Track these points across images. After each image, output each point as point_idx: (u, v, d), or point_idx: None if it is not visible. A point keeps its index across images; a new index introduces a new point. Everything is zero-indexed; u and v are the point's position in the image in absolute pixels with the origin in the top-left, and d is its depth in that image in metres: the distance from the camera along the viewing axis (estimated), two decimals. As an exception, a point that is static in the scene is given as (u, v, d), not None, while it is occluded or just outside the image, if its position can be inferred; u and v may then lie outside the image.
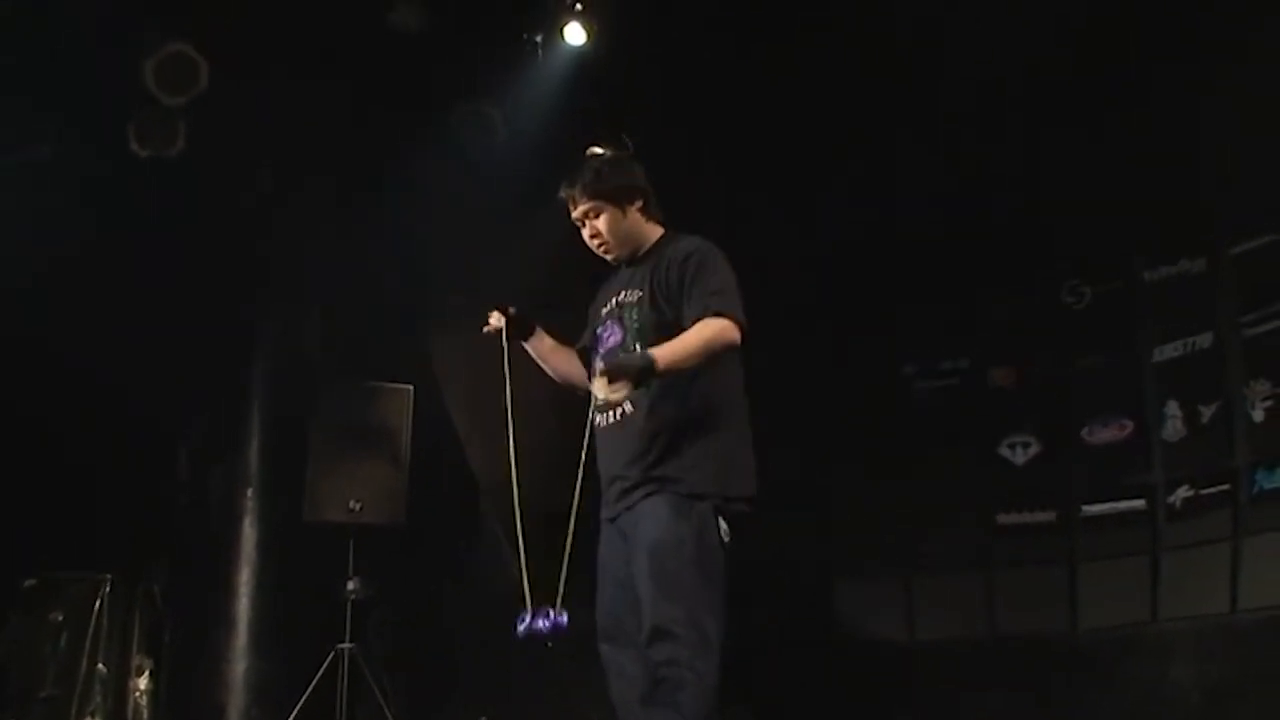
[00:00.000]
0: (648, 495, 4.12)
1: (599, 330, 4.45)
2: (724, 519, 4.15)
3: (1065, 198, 7.67)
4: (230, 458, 7.53)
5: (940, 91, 7.41)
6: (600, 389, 3.87)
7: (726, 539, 4.14)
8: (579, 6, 7.25)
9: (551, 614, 4.08)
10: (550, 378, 4.65)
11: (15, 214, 6.78)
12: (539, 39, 7.37)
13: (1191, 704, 6.89)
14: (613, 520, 4.28)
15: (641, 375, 3.92)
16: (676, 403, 4.17)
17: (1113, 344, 7.85)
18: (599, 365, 4.10)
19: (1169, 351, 7.59)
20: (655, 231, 4.46)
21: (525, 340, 4.53)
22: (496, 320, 4.48)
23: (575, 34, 7.30)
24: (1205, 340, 7.43)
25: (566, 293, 4.70)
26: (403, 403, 7.38)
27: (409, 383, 7.45)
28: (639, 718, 4.06)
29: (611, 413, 4.26)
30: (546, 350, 4.59)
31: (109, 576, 7.04)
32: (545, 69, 7.39)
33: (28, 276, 6.85)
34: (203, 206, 7.24)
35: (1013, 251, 7.98)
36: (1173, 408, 7.50)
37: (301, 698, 6.65)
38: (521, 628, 4.09)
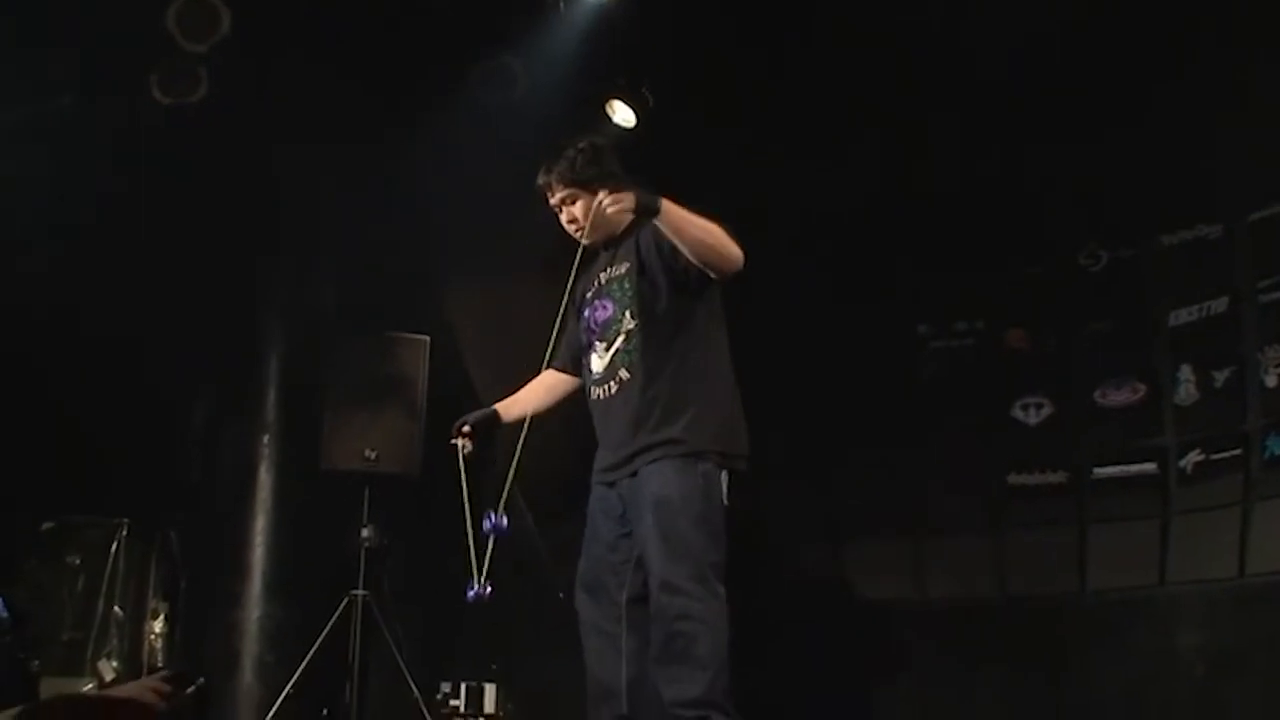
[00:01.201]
0: (654, 460, 4.23)
1: (586, 314, 4.58)
2: (727, 476, 4.29)
3: (1083, 161, 7.66)
4: (247, 406, 7.57)
5: (960, 55, 7.37)
6: (606, 199, 4.13)
7: (726, 500, 4.29)
8: (601, -41, 7.24)
9: (494, 517, 4.33)
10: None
11: (35, 167, 6.79)
12: (562, -8, 7.36)
13: (1198, 666, 6.93)
14: (610, 485, 4.38)
15: (647, 201, 4.12)
16: (672, 369, 4.33)
17: (1128, 307, 7.84)
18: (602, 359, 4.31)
19: (1184, 316, 7.58)
20: (628, 216, 4.52)
21: (494, 430, 4.68)
22: (462, 444, 4.62)
23: (597, -13, 7.29)
24: (1220, 305, 7.43)
25: (580, 249, 4.74)
26: (419, 353, 7.40)
27: (425, 334, 7.47)
28: (651, 674, 4.16)
29: (607, 384, 4.40)
30: (519, 410, 4.71)
31: (125, 521, 7.09)
32: (567, 21, 7.37)
33: (45, 229, 6.88)
34: (219, 160, 7.24)
35: (1029, 214, 7.97)
36: (1186, 372, 7.50)
37: (315, 644, 6.72)
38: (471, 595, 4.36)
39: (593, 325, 4.52)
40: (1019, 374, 8.21)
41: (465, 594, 4.36)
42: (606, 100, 7.68)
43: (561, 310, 4.69)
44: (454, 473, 4.55)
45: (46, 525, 7.02)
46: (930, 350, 8.53)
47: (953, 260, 8.28)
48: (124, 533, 7.06)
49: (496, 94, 7.59)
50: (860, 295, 8.38)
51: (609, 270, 4.55)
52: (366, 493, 7.14)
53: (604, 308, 4.50)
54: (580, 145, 4.58)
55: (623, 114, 7.69)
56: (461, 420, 4.64)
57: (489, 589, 4.33)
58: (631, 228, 4.54)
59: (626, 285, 4.45)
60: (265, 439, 7.50)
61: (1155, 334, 7.69)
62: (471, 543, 4.39)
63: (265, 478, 7.45)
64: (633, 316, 4.36)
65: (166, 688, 2.59)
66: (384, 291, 7.66)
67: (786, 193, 8.03)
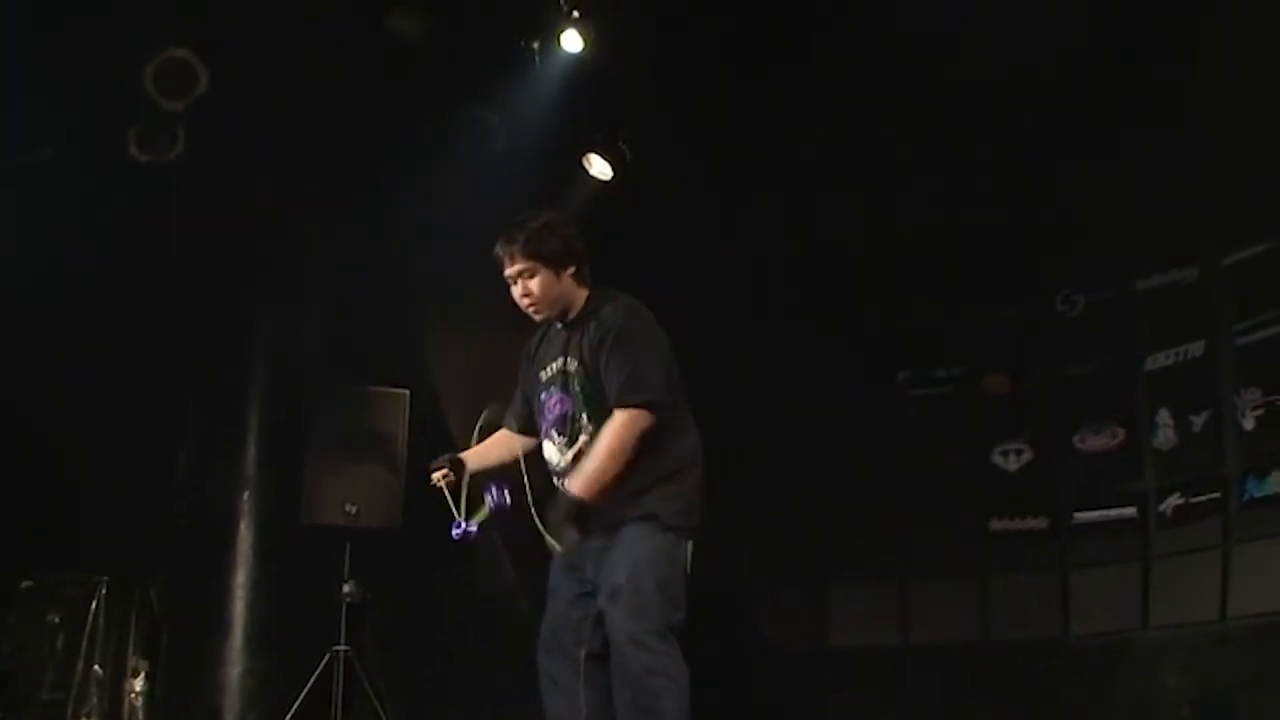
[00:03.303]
0: (620, 526, 4.29)
1: (543, 396, 4.57)
2: (690, 546, 4.38)
3: (1060, 206, 7.72)
4: (227, 460, 7.55)
5: (939, 101, 7.43)
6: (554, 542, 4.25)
7: (689, 568, 4.36)
8: (576, 14, 7.29)
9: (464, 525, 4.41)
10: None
11: (16, 215, 6.80)
12: (536, 46, 7.40)
13: (1181, 710, 6.93)
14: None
15: (577, 516, 4.21)
16: (632, 463, 4.30)
17: (1105, 352, 7.90)
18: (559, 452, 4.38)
19: (1161, 360, 7.63)
20: (583, 294, 4.55)
21: (461, 473, 4.62)
22: (440, 477, 4.58)
23: (572, 41, 7.33)
24: (1197, 349, 7.48)
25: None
26: (399, 407, 7.40)
27: (406, 387, 7.47)
28: None
29: (569, 460, 4.42)
30: (482, 459, 4.70)
31: (105, 578, 7.04)
32: (543, 76, 7.42)
33: (27, 278, 6.87)
34: (202, 211, 7.26)
35: (1007, 259, 8.02)
36: (1164, 416, 7.55)
37: (297, 700, 6.68)
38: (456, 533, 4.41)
39: (548, 414, 4.53)
40: (998, 420, 8.25)
41: (450, 533, 4.40)
42: (584, 154, 7.73)
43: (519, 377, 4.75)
44: (441, 509, 4.52)
45: (25, 583, 6.97)
46: (910, 397, 8.55)
47: (931, 307, 8.32)
48: (104, 590, 7.00)
49: (476, 147, 7.63)
50: (840, 343, 8.41)
51: (564, 360, 4.52)
52: (348, 547, 7.12)
53: (561, 402, 4.49)
54: (544, 219, 4.56)
55: (599, 167, 7.74)
56: (435, 463, 4.61)
57: (475, 527, 4.38)
58: (584, 309, 4.52)
59: (578, 386, 4.44)
60: (246, 494, 7.47)
61: (1133, 378, 7.73)
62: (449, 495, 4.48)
63: (246, 533, 7.42)
64: (590, 420, 4.37)
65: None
66: (365, 345, 7.66)
67: (765, 240, 8.07)
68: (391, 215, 7.42)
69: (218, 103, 6.98)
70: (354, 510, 7.09)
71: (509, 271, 4.51)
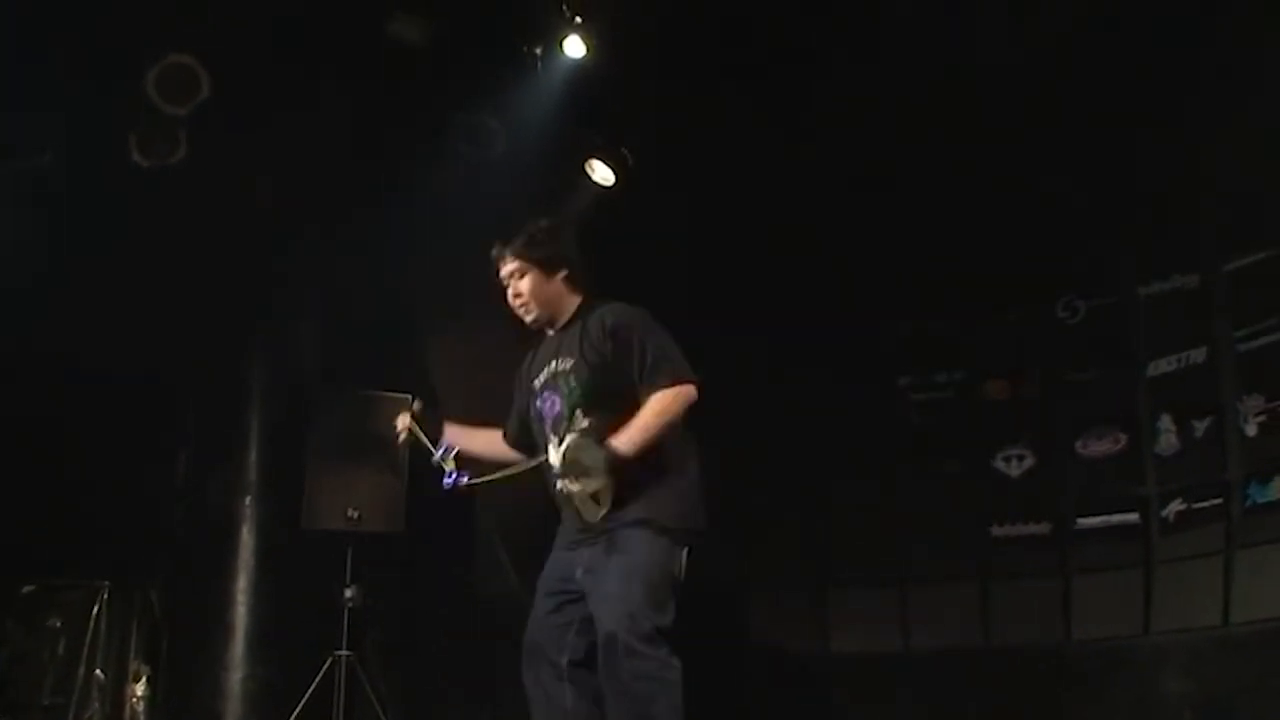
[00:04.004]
0: (618, 529, 4.30)
1: (538, 402, 4.61)
2: (686, 552, 4.39)
3: (1062, 213, 7.72)
4: (229, 465, 7.54)
5: (939, 103, 7.43)
6: (573, 484, 4.21)
7: (682, 573, 4.37)
8: (578, 19, 7.29)
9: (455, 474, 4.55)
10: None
11: (16, 218, 6.81)
12: (538, 51, 7.40)
13: (1184, 715, 6.93)
14: (569, 549, 4.42)
15: (611, 468, 4.20)
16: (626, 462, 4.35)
17: (1107, 358, 7.90)
18: (557, 452, 4.29)
19: (1163, 366, 7.64)
20: (575, 300, 4.64)
21: (435, 439, 4.75)
22: (403, 421, 4.82)
23: (575, 47, 7.33)
24: (1199, 355, 7.49)
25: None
26: (400, 411, 7.38)
27: (407, 392, 7.46)
28: None
29: (560, 457, 4.39)
30: (462, 439, 4.79)
31: (106, 584, 7.05)
32: (545, 82, 7.42)
33: (27, 282, 6.88)
34: (203, 215, 7.26)
35: (1009, 266, 8.02)
36: (1166, 421, 7.55)
37: (298, 705, 6.67)
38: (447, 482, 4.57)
39: (546, 419, 4.54)
40: (1000, 425, 8.25)
41: (442, 484, 4.52)
42: (586, 159, 7.73)
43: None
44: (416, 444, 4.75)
45: (27, 588, 6.97)
46: (912, 402, 8.55)
47: (933, 312, 8.32)
48: (105, 595, 7.01)
49: (477, 151, 7.63)
50: (842, 347, 8.41)
51: (556, 362, 4.56)
52: (349, 552, 7.11)
53: (553, 403, 4.52)
54: (541, 224, 4.64)
55: (602, 173, 7.74)
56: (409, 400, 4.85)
57: (465, 476, 4.51)
58: (576, 314, 4.60)
59: (573, 382, 4.47)
60: (247, 499, 7.47)
61: (1135, 384, 7.73)
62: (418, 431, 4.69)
63: (247, 538, 7.41)
64: (583, 415, 4.39)
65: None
66: (366, 349, 7.66)
67: (767, 245, 8.07)
68: (393, 219, 7.42)
69: (219, 105, 6.98)
70: (355, 515, 7.09)
71: (502, 272, 4.64)
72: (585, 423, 4.37)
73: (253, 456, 7.56)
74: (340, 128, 7.34)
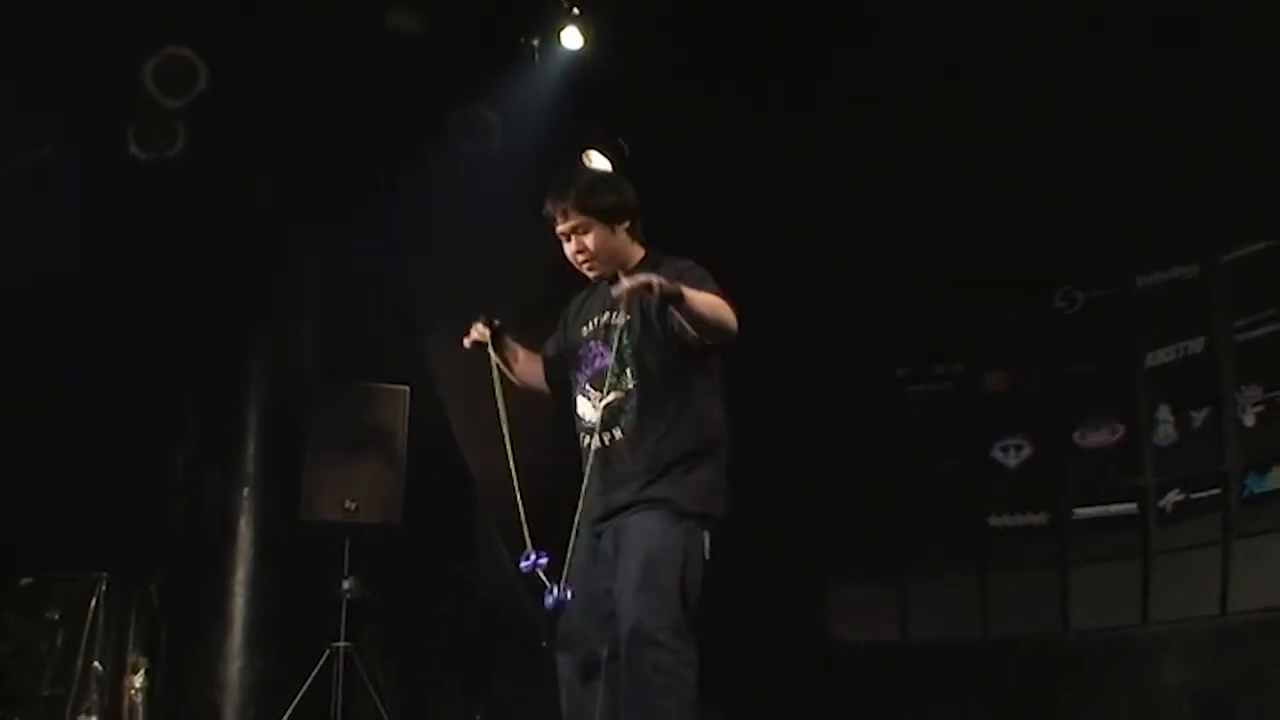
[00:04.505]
0: (640, 511, 4.20)
1: (581, 351, 4.47)
2: (709, 536, 4.25)
3: (1060, 204, 7.71)
4: (227, 457, 7.55)
5: (938, 97, 7.43)
6: (626, 283, 3.92)
7: (708, 555, 4.24)
8: (576, 11, 7.29)
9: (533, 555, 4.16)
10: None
11: (15, 213, 6.80)
12: (536, 43, 7.40)
13: (1182, 706, 6.94)
14: (597, 535, 4.34)
15: (671, 290, 3.94)
16: (668, 431, 4.25)
17: (1105, 349, 7.90)
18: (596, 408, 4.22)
19: (1161, 356, 7.64)
20: (639, 252, 4.46)
21: (501, 352, 4.54)
22: (480, 333, 4.49)
23: (572, 38, 7.33)
24: (1197, 345, 7.48)
25: (561, 298, 4.73)
26: (399, 403, 7.40)
27: (405, 384, 7.47)
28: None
29: (598, 436, 4.31)
30: (514, 358, 4.59)
31: (105, 575, 7.06)
32: (543, 73, 7.42)
33: (26, 276, 6.87)
34: (201, 209, 7.26)
35: (1007, 257, 8.01)
36: (1164, 412, 7.55)
37: (297, 696, 6.68)
38: (525, 565, 4.19)
39: (586, 368, 4.41)
40: (998, 416, 8.26)
41: (520, 563, 4.21)
42: (583, 150, 7.72)
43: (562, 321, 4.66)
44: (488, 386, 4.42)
45: (25, 581, 6.98)
46: (910, 394, 8.56)
47: (930, 304, 8.32)
48: (104, 587, 7.02)
49: (475, 145, 7.62)
50: (839, 340, 8.41)
51: (610, 314, 4.39)
52: (347, 543, 7.12)
53: (601, 355, 4.37)
54: (592, 173, 4.47)
55: (598, 164, 7.72)
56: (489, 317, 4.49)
57: (545, 558, 4.16)
58: (639, 266, 4.35)
59: (626, 340, 4.29)
60: (245, 490, 7.48)
61: (1133, 375, 7.73)
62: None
63: (245, 529, 7.43)
64: (633, 376, 4.26)
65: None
66: (365, 341, 7.66)
67: (765, 237, 8.05)
68: (390, 212, 7.42)
69: (216, 101, 6.97)
70: (354, 506, 7.09)
71: (562, 228, 4.41)
72: (632, 384, 4.28)
73: (251, 448, 7.57)
74: (338, 121, 7.33)
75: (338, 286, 7.67)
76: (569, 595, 4.09)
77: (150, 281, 7.21)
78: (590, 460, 4.33)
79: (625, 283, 3.95)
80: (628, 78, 7.50)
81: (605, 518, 4.30)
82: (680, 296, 3.97)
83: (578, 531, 4.27)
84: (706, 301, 4.07)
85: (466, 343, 4.51)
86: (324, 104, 7.24)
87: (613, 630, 4.17)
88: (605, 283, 4.41)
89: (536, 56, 7.36)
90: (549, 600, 4.12)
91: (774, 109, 7.73)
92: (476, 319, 4.49)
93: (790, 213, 8.02)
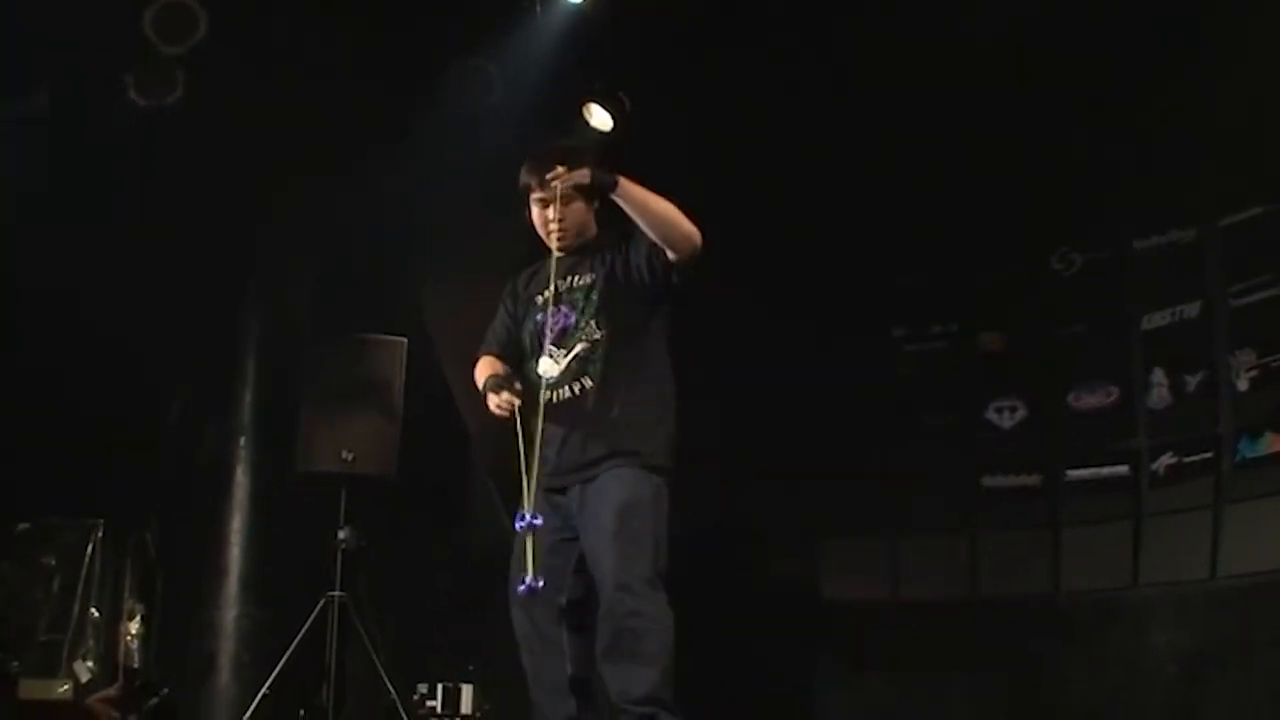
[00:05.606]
0: (614, 467, 4.29)
1: (539, 319, 4.53)
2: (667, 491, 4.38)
3: (1057, 166, 7.71)
4: (224, 407, 7.57)
5: (933, 59, 7.41)
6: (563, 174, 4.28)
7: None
8: (577, -38, 7.26)
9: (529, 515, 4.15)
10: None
11: (10, 164, 6.80)
12: (537, -6, 7.37)
13: (1170, 667, 6.99)
14: (560, 490, 4.38)
15: (602, 178, 4.25)
16: (632, 381, 4.38)
17: (1101, 311, 7.91)
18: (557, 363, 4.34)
19: (1157, 320, 7.65)
20: (595, 230, 4.61)
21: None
22: (509, 403, 4.40)
23: (574, -11, 7.31)
24: (1193, 309, 7.49)
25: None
26: (396, 355, 7.41)
27: (403, 335, 7.49)
28: (599, 669, 4.24)
29: (564, 388, 4.40)
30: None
31: (101, 522, 7.08)
32: (543, 26, 7.39)
33: (19, 230, 6.88)
34: (197, 160, 7.24)
35: (1004, 218, 8.01)
36: (1159, 375, 7.57)
37: (291, 645, 6.73)
38: (520, 525, 4.16)
39: (547, 331, 4.45)
40: (993, 377, 8.26)
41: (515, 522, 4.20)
42: (583, 104, 7.70)
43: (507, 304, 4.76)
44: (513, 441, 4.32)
45: (22, 526, 7.01)
46: (905, 353, 8.57)
47: (927, 264, 8.33)
48: (100, 534, 7.05)
49: (474, 98, 7.60)
50: (835, 298, 8.41)
51: (569, 279, 4.52)
52: (343, 494, 7.14)
53: (565, 315, 4.46)
54: (571, 145, 4.59)
55: (599, 117, 7.70)
56: (505, 380, 4.47)
57: (540, 520, 4.15)
58: (598, 238, 4.57)
59: (593, 296, 4.44)
60: (242, 440, 7.51)
61: (1128, 338, 7.75)
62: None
63: (242, 479, 7.46)
64: (599, 327, 4.38)
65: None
66: (362, 293, 7.67)
67: (763, 194, 8.05)
68: (388, 165, 7.41)
69: (212, 55, 6.95)
70: (350, 457, 7.11)
71: (540, 194, 4.52)
72: (599, 334, 4.38)
73: (248, 398, 7.59)
74: (335, 75, 7.30)
75: (334, 237, 7.67)
76: (540, 584, 4.10)
77: (147, 230, 7.20)
78: (552, 415, 4.38)
79: (560, 171, 4.28)
80: (629, 30, 7.45)
81: (570, 470, 4.36)
82: (613, 185, 4.22)
83: (534, 485, 4.26)
84: (650, 195, 4.25)
85: (498, 412, 4.45)
86: (320, 57, 7.21)
87: (567, 579, 4.34)
88: (555, 256, 4.53)
89: (538, 7, 7.33)
90: (520, 588, 4.14)
91: (775, 63, 7.70)
92: (504, 387, 4.44)
93: (788, 170, 8.01)
